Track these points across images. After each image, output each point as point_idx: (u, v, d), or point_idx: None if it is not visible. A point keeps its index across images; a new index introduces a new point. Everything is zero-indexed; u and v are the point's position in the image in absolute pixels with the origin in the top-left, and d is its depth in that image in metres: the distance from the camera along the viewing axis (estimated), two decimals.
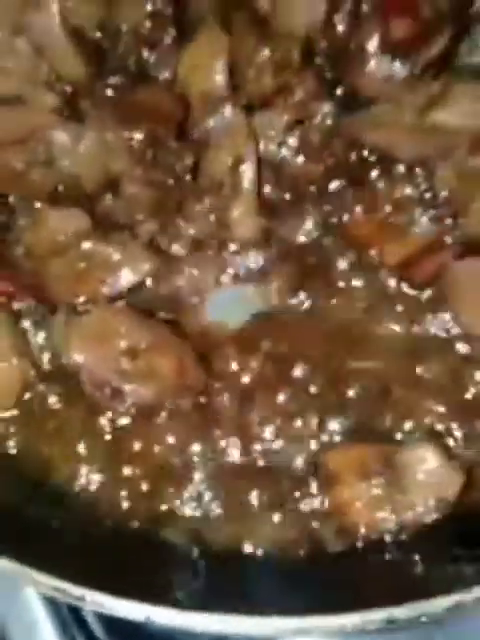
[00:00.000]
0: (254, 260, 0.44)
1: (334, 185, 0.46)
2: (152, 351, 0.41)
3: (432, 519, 0.38)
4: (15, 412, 0.41)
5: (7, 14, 0.51)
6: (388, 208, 0.45)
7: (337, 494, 0.38)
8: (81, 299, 0.43)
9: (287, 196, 0.47)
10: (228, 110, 0.47)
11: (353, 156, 0.45)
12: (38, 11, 0.50)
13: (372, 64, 0.44)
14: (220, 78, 0.48)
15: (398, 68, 0.44)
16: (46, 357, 0.42)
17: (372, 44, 0.44)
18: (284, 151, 0.47)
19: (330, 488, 0.39)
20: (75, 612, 0.46)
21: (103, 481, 0.41)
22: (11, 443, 0.42)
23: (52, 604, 0.46)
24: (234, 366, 0.42)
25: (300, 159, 0.47)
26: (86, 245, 0.44)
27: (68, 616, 0.46)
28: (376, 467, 0.38)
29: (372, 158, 0.45)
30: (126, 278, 0.43)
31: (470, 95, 0.45)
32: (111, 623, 0.46)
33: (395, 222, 0.45)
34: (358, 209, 0.45)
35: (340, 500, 0.38)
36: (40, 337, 0.42)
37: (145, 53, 0.50)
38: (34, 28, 0.50)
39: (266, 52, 0.47)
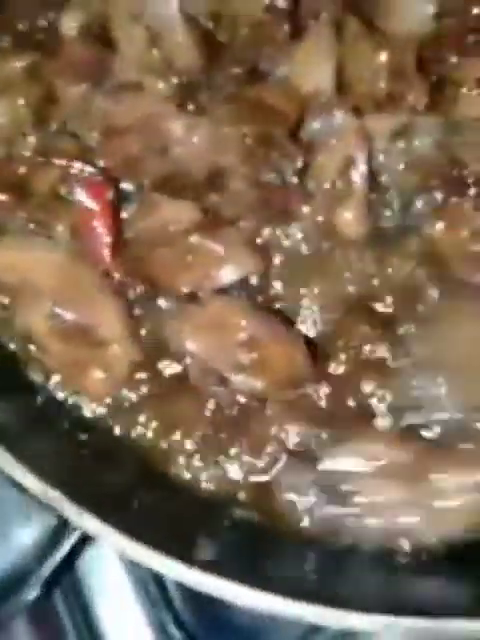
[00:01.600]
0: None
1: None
2: (268, 344, 0.43)
3: None
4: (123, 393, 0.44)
5: (126, 2, 0.53)
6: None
7: None
8: (185, 289, 0.46)
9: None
10: (337, 113, 0.48)
11: (453, 173, 0.47)
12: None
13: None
14: (328, 80, 0.49)
15: None
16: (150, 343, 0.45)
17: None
18: (385, 158, 0.47)
19: None
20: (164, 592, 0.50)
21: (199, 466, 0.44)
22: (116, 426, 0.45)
23: (141, 582, 0.49)
24: None
25: (401, 166, 0.49)
26: (193, 238, 0.47)
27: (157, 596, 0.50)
28: None
29: (471, 179, 0.46)
30: (229, 274, 0.44)
31: None
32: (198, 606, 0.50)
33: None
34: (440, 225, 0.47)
35: None
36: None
37: (261, 48, 0.53)
38: (152, 16, 0.52)
39: (383, 57, 0.49)
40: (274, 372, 0.42)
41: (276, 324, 0.43)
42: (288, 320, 0.45)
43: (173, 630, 0.47)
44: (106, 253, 0.45)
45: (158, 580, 0.47)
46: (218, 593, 0.35)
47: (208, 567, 0.34)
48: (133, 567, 0.47)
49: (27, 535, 0.34)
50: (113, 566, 0.48)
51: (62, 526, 0.36)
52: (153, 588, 0.48)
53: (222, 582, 0.34)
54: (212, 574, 0.34)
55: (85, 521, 0.33)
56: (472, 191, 0.46)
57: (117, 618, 0.48)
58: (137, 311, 0.45)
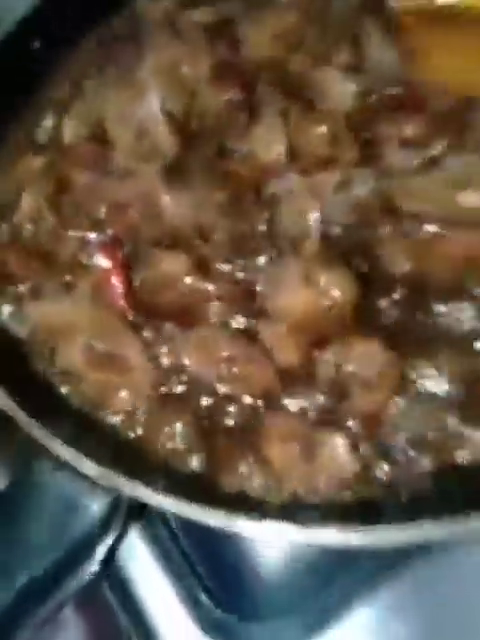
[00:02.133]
0: None
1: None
2: (240, 361, 0.53)
3: None
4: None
5: (116, 107, 0.66)
6: None
7: None
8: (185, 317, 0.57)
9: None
10: (290, 175, 0.59)
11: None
12: (142, 103, 0.65)
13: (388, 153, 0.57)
14: (281, 151, 0.60)
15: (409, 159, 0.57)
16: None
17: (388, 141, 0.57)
18: (332, 206, 0.57)
19: None
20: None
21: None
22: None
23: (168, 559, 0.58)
24: None
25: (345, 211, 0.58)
26: (188, 280, 0.59)
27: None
28: None
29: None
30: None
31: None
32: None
33: None
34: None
35: None
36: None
37: (225, 132, 0.66)
38: (139, 116, 0.65)
39: (321, 129, 0.59)
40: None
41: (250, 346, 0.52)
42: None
43: (202, 598, 0.55)
44: (121, 300, 0.57)
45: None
46: None
47: None
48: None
49: (91, 511, 0.44)
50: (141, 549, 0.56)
51: (114, 508, 0.46)
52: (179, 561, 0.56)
53: None
54: None
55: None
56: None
57: (152, 595, 0.55)
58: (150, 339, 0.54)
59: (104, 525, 0.45)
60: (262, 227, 0.58)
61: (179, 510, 0.43)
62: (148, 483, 0.44)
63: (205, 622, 0.55)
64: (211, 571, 0.56)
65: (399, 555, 0.55)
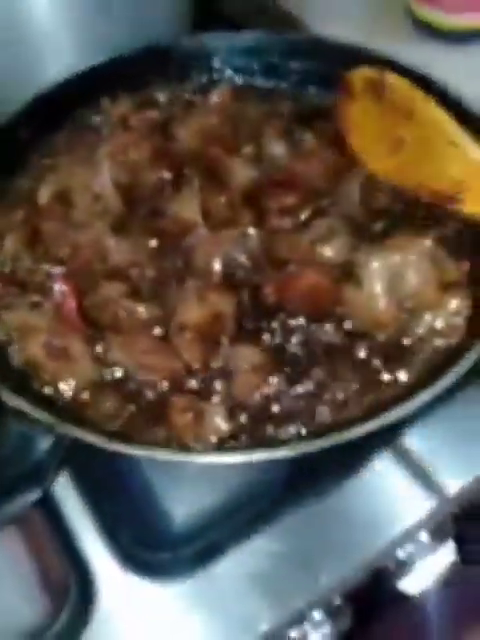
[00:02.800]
0: None
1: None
2: (153, 353, 0.75)
3: None
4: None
5: (82, 179, 0.90)
6: None
7: None
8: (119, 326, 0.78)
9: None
10: (201, 230, 0.81)
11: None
12: (96, 174, 0.89)
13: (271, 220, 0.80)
14: (196, 213, 0.82)
15: (286, 222, 0.80)
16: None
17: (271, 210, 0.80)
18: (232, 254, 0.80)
19: None
20: None
21: None
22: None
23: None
24: None
25: (242, 258, 0.80)
26: (123, 302, 0.80)
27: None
28: None
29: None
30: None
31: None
32: None
33: None
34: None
35: None
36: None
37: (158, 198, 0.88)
38: (94, 185, 0.88)
39: (223, 199, 0.84)
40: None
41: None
42: None
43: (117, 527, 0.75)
44: (74, 315, 0.78)
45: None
46: None
47: None
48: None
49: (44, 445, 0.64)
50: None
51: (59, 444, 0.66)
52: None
53: None
54: None
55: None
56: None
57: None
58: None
59: (50, 457, 0.65)
60: (180, 266, 0.81)
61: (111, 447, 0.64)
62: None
63: (121, 554, 0.74)
64: (126, 508, 0.76)
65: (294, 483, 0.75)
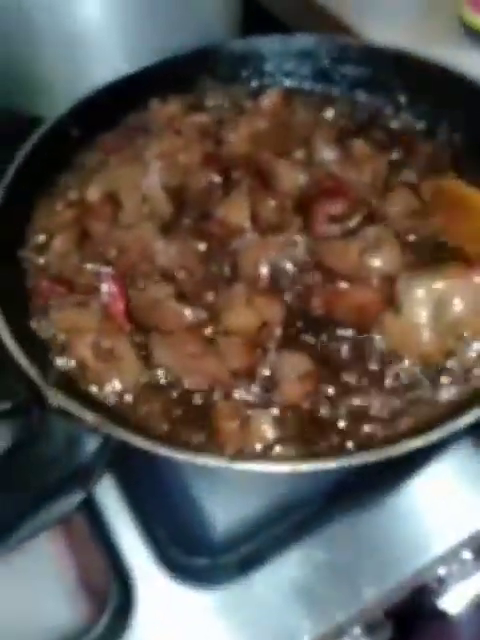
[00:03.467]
0: None
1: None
2: (200, 357, 0.73)
3: None
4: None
5: (131, 179, 0.90)
6: None
7: None
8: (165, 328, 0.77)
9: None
10: (249, 235, 0.81)
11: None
12: (147, 178, 0.89)
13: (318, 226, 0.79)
14: (245, 217, 0.81)
15: (334, 229, 0.79)
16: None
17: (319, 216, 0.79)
18: (279, 259, 0.78)
19: None
20: None
21: None
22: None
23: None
24: None
25: (288, 265, 0.79)
26: (170, 303, 0.79)
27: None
28: None
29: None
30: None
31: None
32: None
33: None
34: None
35: None
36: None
37: (206, 201, 0.85)
38: (143, 187, 0.88)
39: (272, 203, 0.84)
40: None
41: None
42: None
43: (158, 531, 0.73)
44: (122, 316, 0.78)
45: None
46: None
47: None
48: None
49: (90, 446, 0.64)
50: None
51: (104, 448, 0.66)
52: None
53: None
54: None
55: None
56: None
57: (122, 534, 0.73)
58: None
59: (96, 459, 0.64)
60: (227, 270, 0.80)
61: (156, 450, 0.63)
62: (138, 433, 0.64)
63: (162, 559, 0.73)
64: (167, 513, 0.75)
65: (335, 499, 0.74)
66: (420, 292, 0.72)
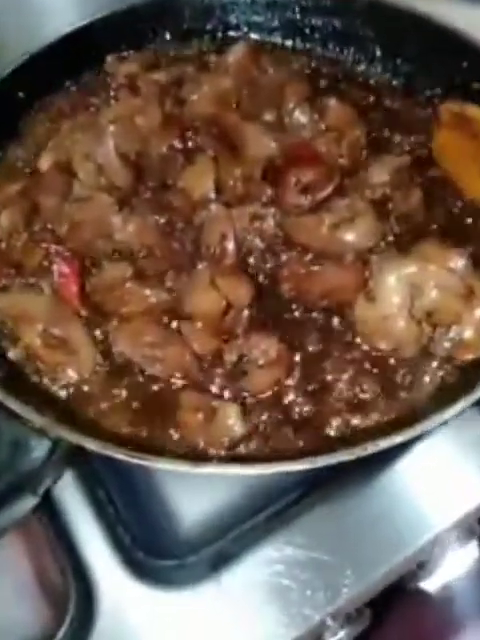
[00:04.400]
0: None
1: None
2: (162, 346, 0.67)
3: None
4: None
5: (83, 147, 0.82)
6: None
7: None
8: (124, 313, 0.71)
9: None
10: (213, 206, 0.74)
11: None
12: (101, 145, 0.81)
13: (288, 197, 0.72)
14: (209, 187, 0.74)
15: (304, 200, 0.72)
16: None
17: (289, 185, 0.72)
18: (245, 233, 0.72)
19: None
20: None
21: None
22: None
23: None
24: None
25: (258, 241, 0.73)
26: (128, 285, 0.73)
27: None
28: None
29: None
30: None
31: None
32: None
33: None
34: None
35: None
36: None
37: (167, 170, 0.79)
38: (98, 155, 0.81)
39: (238, 172, 0.76)
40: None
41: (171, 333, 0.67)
42: None
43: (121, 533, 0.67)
44: (75, 297, 0.71)
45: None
46: None
47: None
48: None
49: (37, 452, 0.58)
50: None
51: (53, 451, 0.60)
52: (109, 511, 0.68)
53: None
54: None
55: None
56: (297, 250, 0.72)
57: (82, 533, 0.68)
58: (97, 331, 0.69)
59: (46, 463, 0.59)
60: (191, 246, 0.73)
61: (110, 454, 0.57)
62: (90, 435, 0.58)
63: (126, 561, 0.68)
64: (131, 513, 0.70)
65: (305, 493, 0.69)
66: (392, 278, 0.66)
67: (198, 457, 0.62)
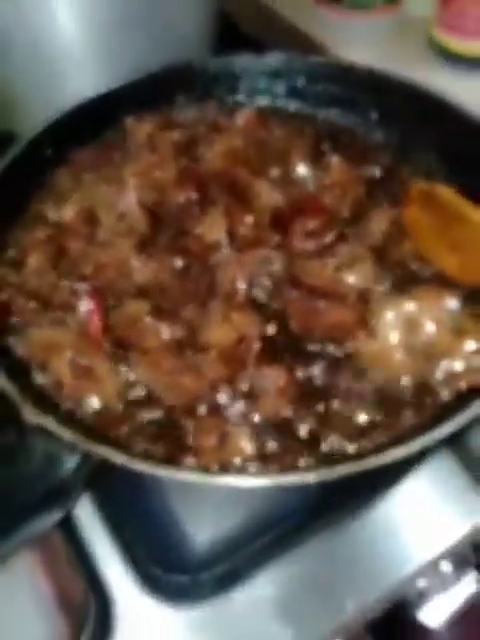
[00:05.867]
0: None
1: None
2: (179, 373, 0.74)
3: None
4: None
5: (107, 197, 0.90)
6: None
7: None
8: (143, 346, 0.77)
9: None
10: (225, 250, 0.82)
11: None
12: (123, 195, 0.89)
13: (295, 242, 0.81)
14: (222, 234, 0.83)
15: (310, 245, 0.80)
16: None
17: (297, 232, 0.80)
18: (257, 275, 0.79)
19: None
20: None
21: None
22: None
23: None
24: None
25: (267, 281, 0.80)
26: (147, 320, 0.79)
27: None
28: None
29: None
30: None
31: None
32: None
33: None
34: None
35: None
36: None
37: (184, 219, 0.89)
38: (120, 204, 0.89)
39: (250, 219, 0.85)
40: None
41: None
42: None
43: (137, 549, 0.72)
44: (99, 333, 0.77)
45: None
46: None
47: None
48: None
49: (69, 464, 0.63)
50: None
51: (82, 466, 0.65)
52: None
53: None
54: None
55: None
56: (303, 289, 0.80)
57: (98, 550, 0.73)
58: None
59: (76, 476, 0.64)
60: (205, 286, 0.80)
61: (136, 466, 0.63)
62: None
63: (142, 577, 0.73)
64: (146, 531, 0.74)
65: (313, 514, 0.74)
66: (391, 314, 0.73)
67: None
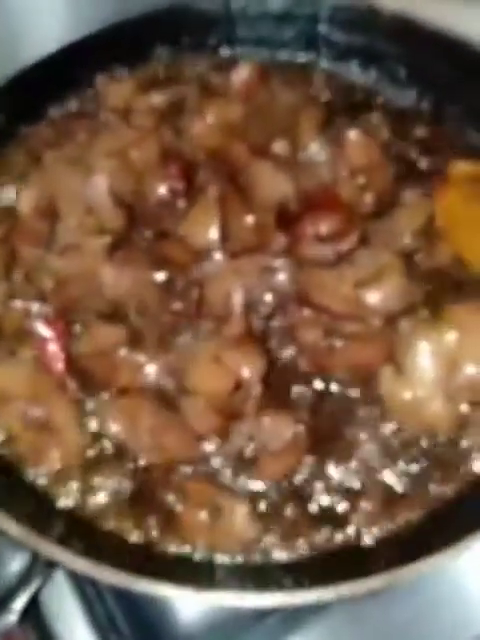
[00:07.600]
0: None
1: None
2: (162, 430, 0.58)
3: None
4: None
5: (67, 184, 0.72)
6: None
7: None
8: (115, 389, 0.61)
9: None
10: (218, 256, 0.65)
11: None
12: (91, 183, 0.71)
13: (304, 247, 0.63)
14: (213, 234, 0.65)
15: (324, 251, 0.63)
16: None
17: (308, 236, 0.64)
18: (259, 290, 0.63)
19: None
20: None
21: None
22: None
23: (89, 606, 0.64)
24: None
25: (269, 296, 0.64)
26: (122, 351, 0.64)
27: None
28: None
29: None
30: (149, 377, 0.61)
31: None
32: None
33: None
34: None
35: None
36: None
37: (164, 215, 0.70)
38: (88, 194, 0.71)
39: (250, 218, 0.66)
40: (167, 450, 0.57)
41: (168, 414, 0.58)
42: None
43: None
44: (60, 366, 0.62)
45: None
46: None
47: None
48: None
49: (13, 566, 0.49)
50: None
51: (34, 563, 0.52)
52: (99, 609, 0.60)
53: None
54: None
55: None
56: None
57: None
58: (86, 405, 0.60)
59: (24, 578, 0.50)
60: (192, 304, 0.64)
61: (92, 572, 0.49)
62: (65, 545, 0.49)
63: None
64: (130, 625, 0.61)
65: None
66: (425, 349, 0.57)
67: (200, 564, 0.53)
